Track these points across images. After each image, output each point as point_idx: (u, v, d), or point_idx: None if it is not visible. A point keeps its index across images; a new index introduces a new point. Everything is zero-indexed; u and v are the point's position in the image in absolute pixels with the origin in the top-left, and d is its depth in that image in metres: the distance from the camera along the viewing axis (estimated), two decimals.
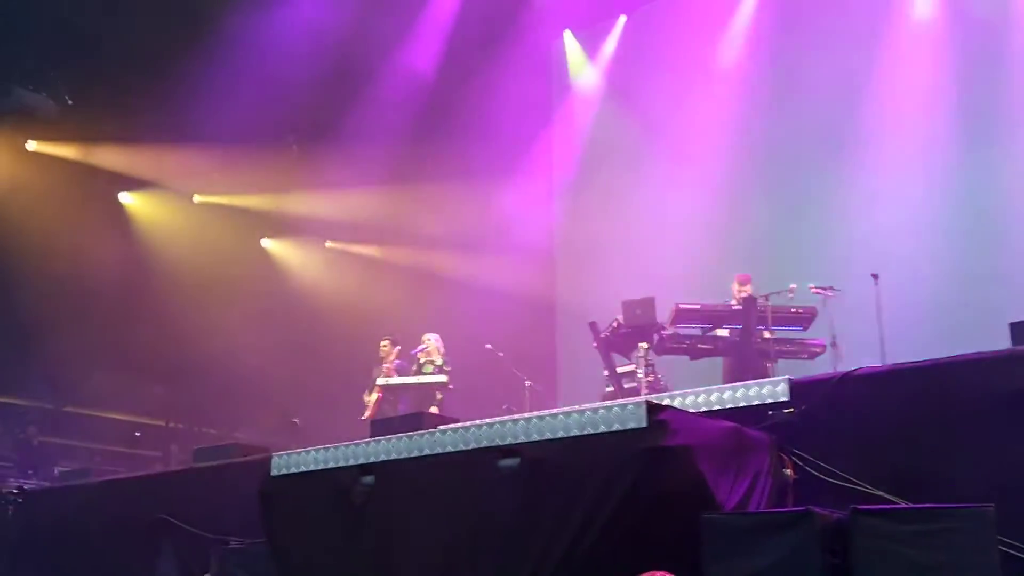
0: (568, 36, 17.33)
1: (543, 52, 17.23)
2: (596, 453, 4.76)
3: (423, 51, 15.99)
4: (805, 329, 10.50)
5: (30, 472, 13.44)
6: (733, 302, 10.72)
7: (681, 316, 10.54)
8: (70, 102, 14.52)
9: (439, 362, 12.39)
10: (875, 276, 9.61)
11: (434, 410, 10.73)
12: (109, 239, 14.66)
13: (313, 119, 15.73)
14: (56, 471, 12.69)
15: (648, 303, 10.60)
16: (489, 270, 15.76)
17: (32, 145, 14.58)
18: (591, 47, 17.13)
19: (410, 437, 5.57)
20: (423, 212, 16.32)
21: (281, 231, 17.28)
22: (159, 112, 14.19)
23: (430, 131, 15.73)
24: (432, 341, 12.59)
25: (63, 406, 15.01)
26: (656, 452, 4.58)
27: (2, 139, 14.20)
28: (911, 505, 4.67)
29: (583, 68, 17.22)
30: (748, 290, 10.66)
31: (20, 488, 9.14)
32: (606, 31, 16.89)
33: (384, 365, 12.78)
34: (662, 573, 4.31)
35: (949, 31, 13.50)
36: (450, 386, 12.21)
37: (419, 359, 12.60)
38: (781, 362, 10.26)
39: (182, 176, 15.65)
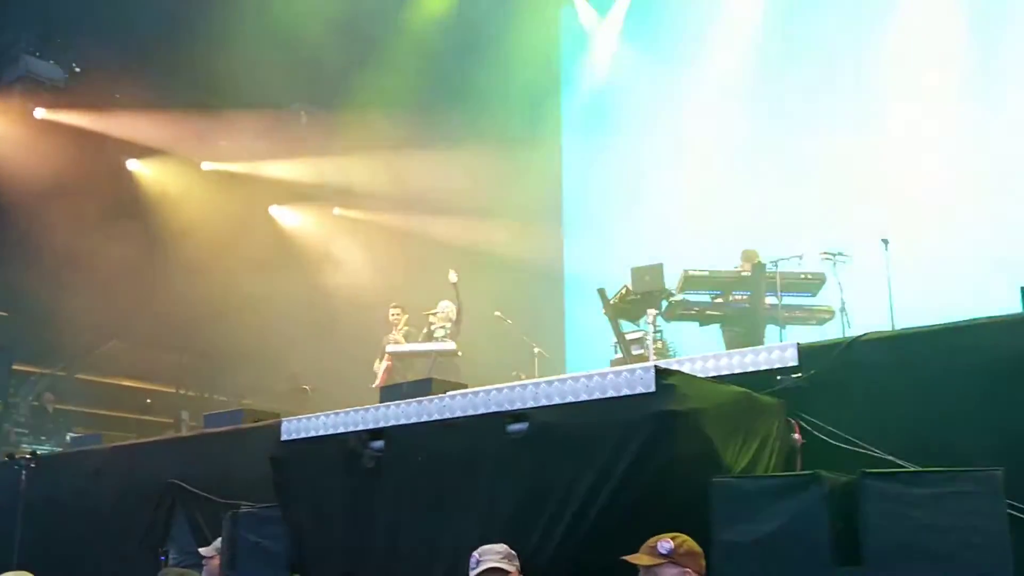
0: (579, 4, 17.17)
1: (554, 19, 17.08)
2: (605, 418, 4.76)
3: (433, 14, 15.88)
4: (814, 295, 10.49)
5: (43, 438, 13.56)
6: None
7: (690, 282, 10.54)
8: (77, 69, 14.48)
9: (448, 327, 12.42)
10: (885, 241, 9.58)
11: None
12: (117, 206, 14.66)
13: (321, 86, 15.67)
14: (68, 437, 12.79)
15: (657, 269, 10.59)
16: (498, 237, 15.74)
17: (40, 113, 14.55)
18: (601, 12, 16.99)
19: (419, 402, 5.58)
20: (432, 179, 16.28)
21: (289, 198, 17.27)
22: (167, 79, 14.15)
23: (438, 98, 15.66)
24: (444, 309, 12.60)
25: (76, 373, 15.10)
26: (665, 416, 4.59)
27: (10, 107, 14.18)
28: (920, 468, 4.68)
29: (592, 37, 17.08)
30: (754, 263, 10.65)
31: (33, 453, 9.20)
32: None
33: (394, 333, 12.80)
34: (667, 538, 4.28)
35: None
36: (459, 353, 12.24)
37: (431, 322, 12.61)
38: (790, 327, 10.25)
39: (190, 143, 15.62)
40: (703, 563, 4.31)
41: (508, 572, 4.61)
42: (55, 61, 14.35)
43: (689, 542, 4.29)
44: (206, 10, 13.56)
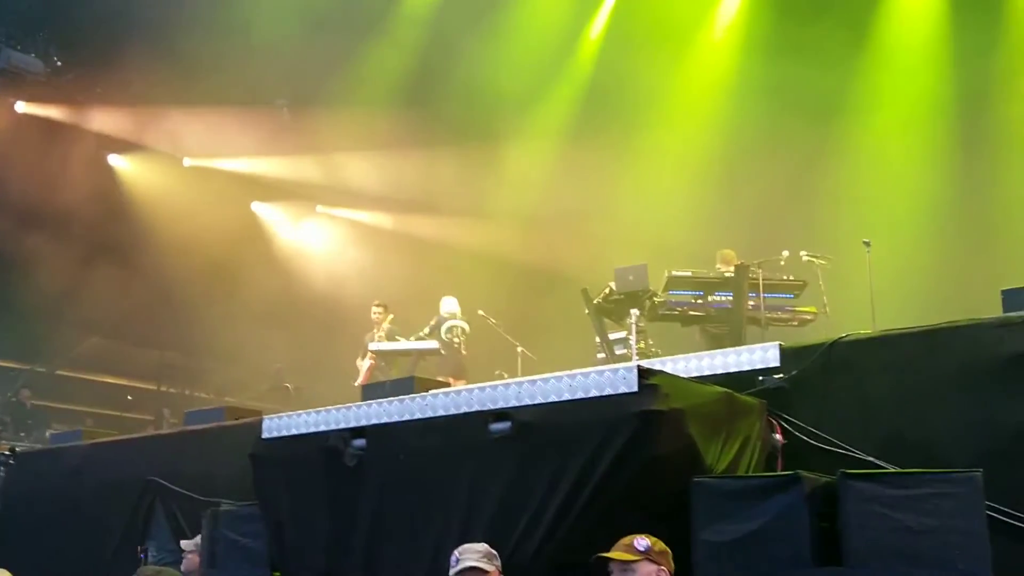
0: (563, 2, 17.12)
1: (544, 15, 16.98)
2: (587, 417, 4.76)
3: (420, 9, 15.80)
4: (796, 296, 10.52)
5: (22, 434, 13.47)
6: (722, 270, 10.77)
7: (673, 283, 10.55)
8: (59, 63, 14.38)
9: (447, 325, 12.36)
10: (867, 243, 9.60)
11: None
12: (99, 202, 14.56)
13: (304, 82, 15.60)
14: (48, 433, 12.71)
15: (640, 270, 10.58)
16: (481, 236, 15.72)
17: (21, 106, 14.45)
18: (586, 14, 16.95)
19: (401, 401, 5.57)
20: (416, 177, 16.24)
21: (272, 195, 17.21)
22: (149, 74, 14.06)
23: (423, 95, 15.61)
24: (444, 305, 12.53)
25: (56, 369, 15.01)
26: (647, 416, 4.59)
27: None
28: (900, 470, 4.70)
29: (580, 35, 17.04)
30: (733, 266, 10.68)
31: (12, 450, 9.13)
32: None
33: (376, 331, 12.77)
34: (643, 536, 4.31)
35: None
36: (442, 352, 12.21)
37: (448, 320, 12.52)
38: (772, 329, 10.27)
39: (172, 139, 15.53)
40: (672, 563, 4.38)
41: (487, 571, 4.60)
42: (36, 55, 14.24)
43: (660, 543, 4.37)
44: (189, 4, 13.48)
